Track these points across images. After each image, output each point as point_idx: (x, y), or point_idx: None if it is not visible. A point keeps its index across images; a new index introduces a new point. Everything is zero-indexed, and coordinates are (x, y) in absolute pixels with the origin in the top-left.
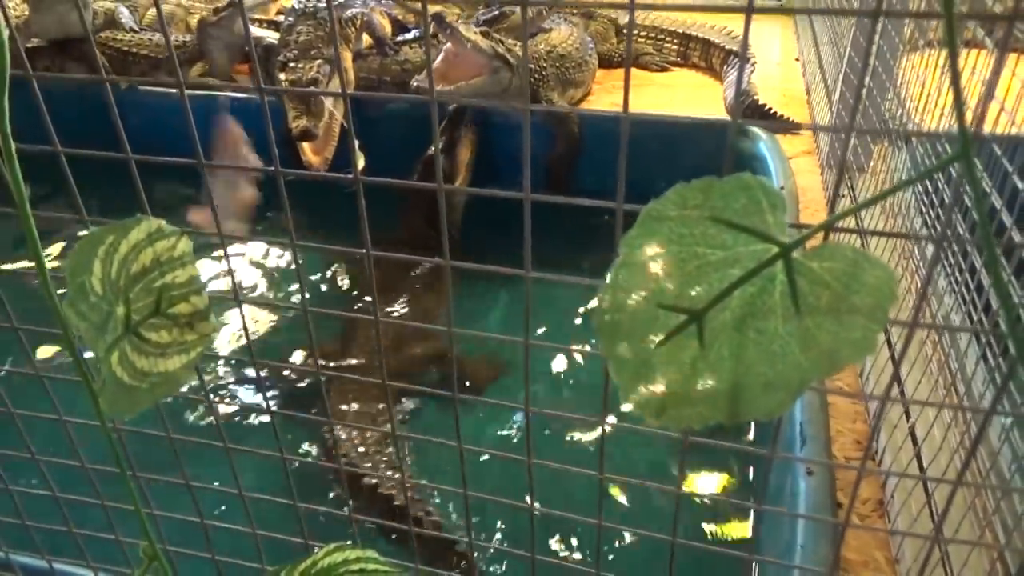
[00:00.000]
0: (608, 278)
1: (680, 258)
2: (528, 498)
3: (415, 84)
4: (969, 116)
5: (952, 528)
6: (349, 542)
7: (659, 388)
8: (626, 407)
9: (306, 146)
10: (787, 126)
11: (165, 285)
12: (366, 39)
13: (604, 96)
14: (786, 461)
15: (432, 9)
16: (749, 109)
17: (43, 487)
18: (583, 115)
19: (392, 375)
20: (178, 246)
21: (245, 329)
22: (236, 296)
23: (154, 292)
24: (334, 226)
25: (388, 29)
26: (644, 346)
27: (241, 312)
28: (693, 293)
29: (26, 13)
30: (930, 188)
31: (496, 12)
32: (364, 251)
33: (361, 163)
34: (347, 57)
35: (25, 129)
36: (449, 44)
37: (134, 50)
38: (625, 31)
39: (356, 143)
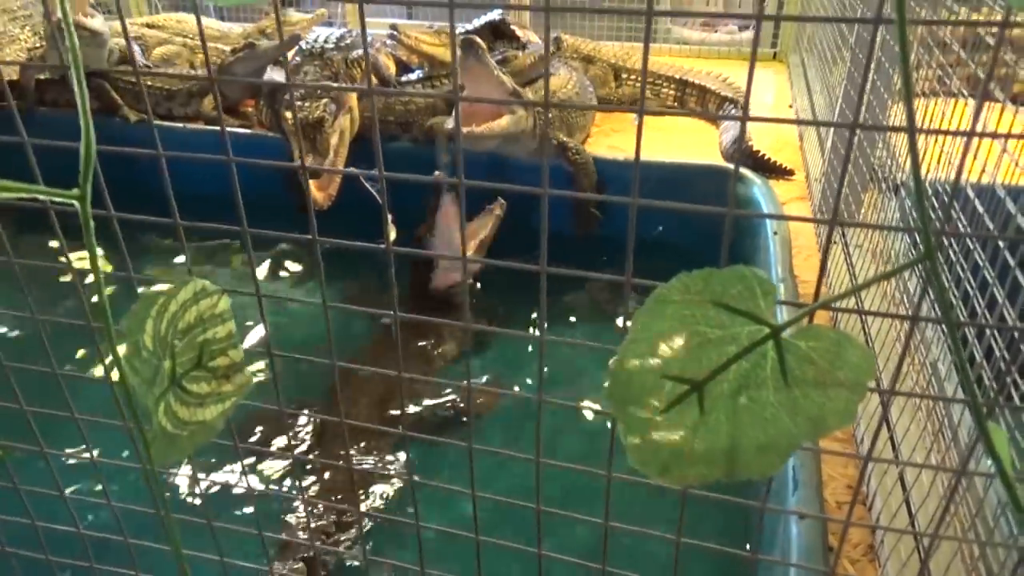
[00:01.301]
0: (619, 350)
1: (684, 336)
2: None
3: (448, 127)
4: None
5: (940, 571)
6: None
7: (663, 449)
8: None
9: (312, 183)
10: (781, 172)
11: (206, 340)
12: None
13: (602, 139)
14: (779, 506)
15: (435, 52)
16: (743, 155)
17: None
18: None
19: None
20: (219, 304)
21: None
22: (268, 350)
23: (196, 347)
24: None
25: (393, 70)
26: (650, 411)
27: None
28: (695, 366)
29: (38, 45)
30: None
31: (500, 56)
32: (392, 313)
33: (393, 235)
34: (352, 96)
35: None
36: (467, 88)
37: (147, 85)
38: (625, 75)
39: (389, 217)
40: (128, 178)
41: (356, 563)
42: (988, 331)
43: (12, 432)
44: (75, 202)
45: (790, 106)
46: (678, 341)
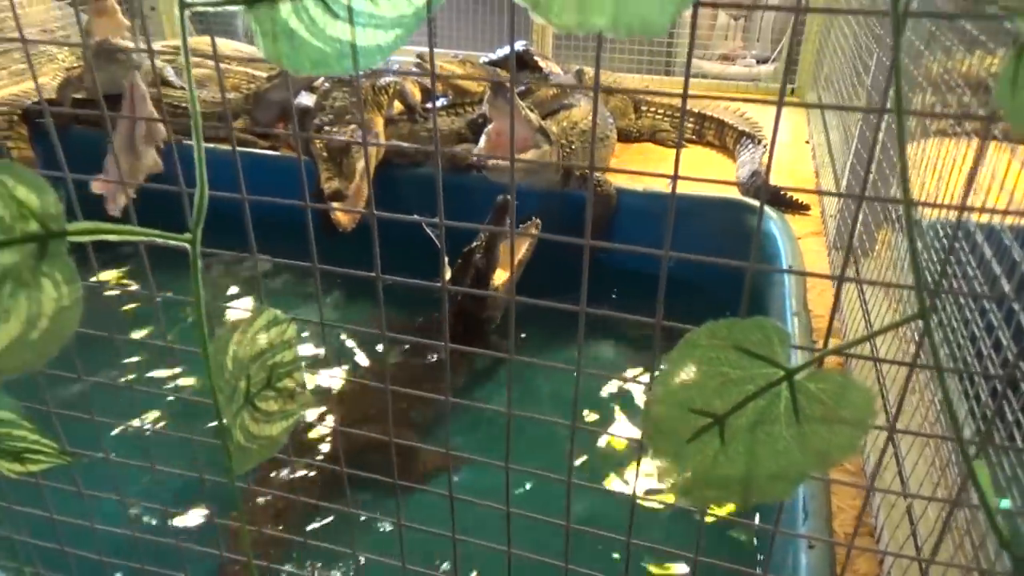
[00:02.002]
0: (653, 387)
1: (709, 375)
2: None
3: (474, 158)
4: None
5: None
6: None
7: (687, 473)
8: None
9: (336, 206)
10: (797, 207)
11: (276, 363)
12: (397, 106)
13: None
14: (789, 535)
15: (460, 82)
16: (760, 189)
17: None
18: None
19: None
20: (287, 331)
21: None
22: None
23: (267, 369)
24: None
25: (419, 97)
26: (678, 440)
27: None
28: (717, 402)
29: (76, 64)
30: (936, 272)
31: (523, 87)
32: (443, 344)
33: (448, 274)
34: (379, 122)
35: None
36: (494, 123)
37: (183, 105)
38: (644, 107)
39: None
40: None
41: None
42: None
43: (77, 440)
44: (187, 244)
45: (807, 142)
46: (703, 380)
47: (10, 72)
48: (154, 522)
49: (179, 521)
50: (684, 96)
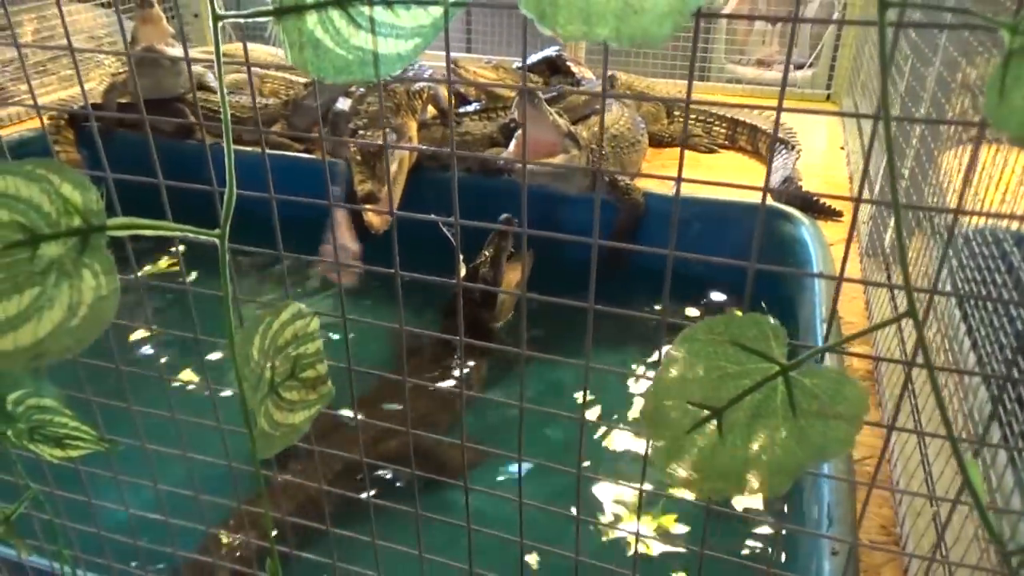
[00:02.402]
0: (653, 379)
1: (707, 369)
2: None
3: (501, 162)
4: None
5: None
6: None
7: (686, 465)
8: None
9: (368, 208)
10: (830, 213)
11: (299, 355)
12: (431, 110)
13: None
14: (813, 542)
15: (477, 74)
16: (793, 195)
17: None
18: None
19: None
20: (311, 324)
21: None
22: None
23: (291, 360)
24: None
25: (452, 102)
26: (677, 432)
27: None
28: (715, 396)
29: (122, 71)
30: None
31: (555, 92)
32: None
33: (463, 272)
34: (412, 126)
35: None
36: (522, 127)
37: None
38: (677, 112)
39: (461, 257)
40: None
41: None
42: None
43: (113, 428)
44: (215, 239)
45: (841, 148)
46: (702, 373)
47: (60, 77)
48: (185, 509)
49: (209, 507)
50: (687, 101)
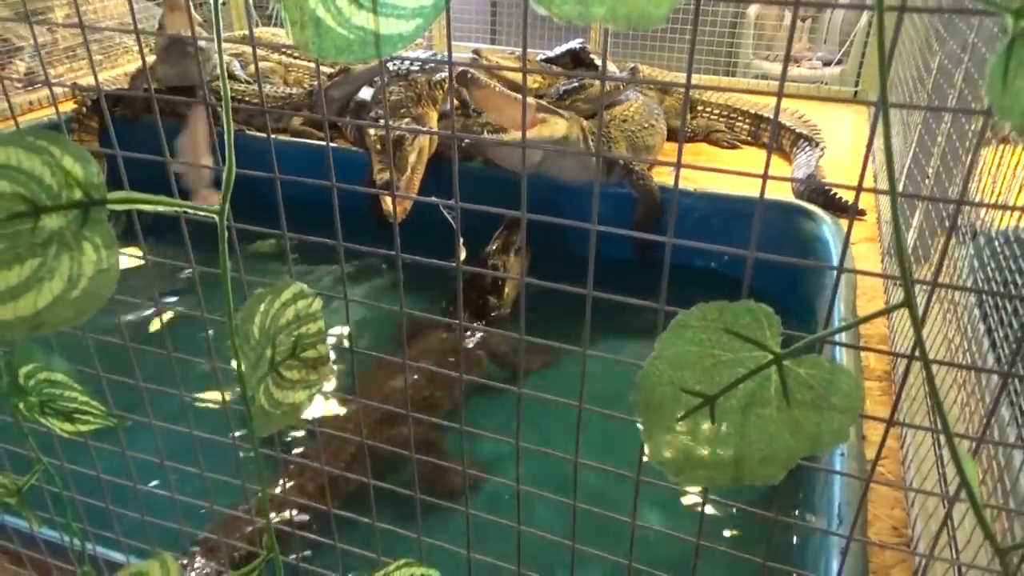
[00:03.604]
0: (645, 367)
1: (699, 356)
2: None
3: (467, 142)
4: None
5: None
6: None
7: (679, 452)
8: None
9: (387, 197)
10: (852, 211)
11: (301, 334)
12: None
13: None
14: (823, 540)
15: (515, 77)
16: (815, 193)
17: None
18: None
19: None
20: (313, 304)
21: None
22: (351, 347)
23: (292, 339)
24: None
25: None
26: (669, 420)
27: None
28: (708, 383)
29: (151, 59)
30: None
31: (576, 83)
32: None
33: (463, 255)
34: (432, 116)
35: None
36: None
37: (246, 98)
38: (700, 107)
39: (461, 240)
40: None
41: None
42: None
43: (122, 404)
44: (215, 216)
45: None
46: (695, 361)
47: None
48: (190, 486)
49: (213, 485)
50: (687, 86)
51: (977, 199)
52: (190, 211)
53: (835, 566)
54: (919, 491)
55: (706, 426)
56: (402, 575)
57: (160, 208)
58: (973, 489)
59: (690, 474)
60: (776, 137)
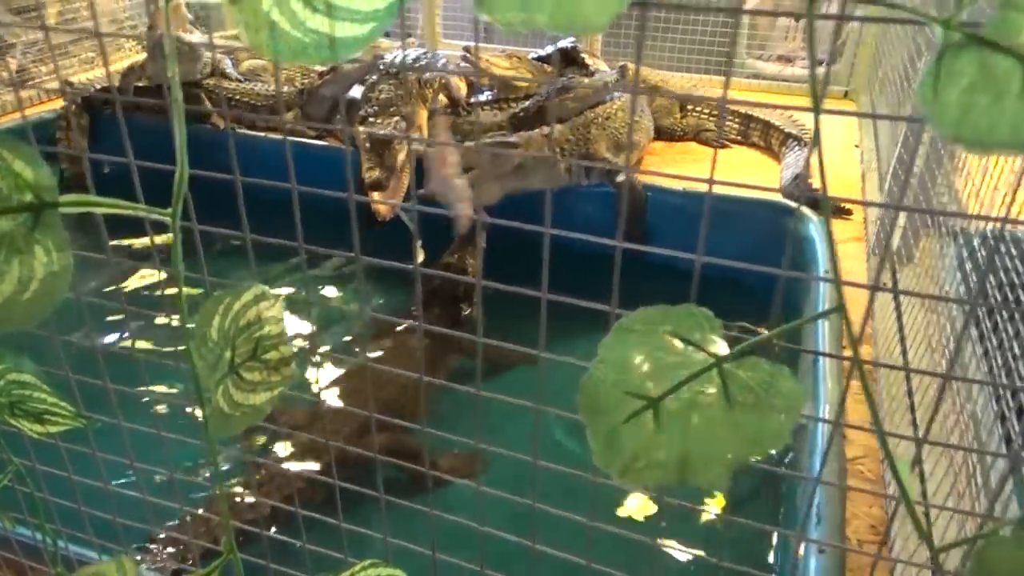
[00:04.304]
0: (590, 370)
1: (644, 359)
2: None
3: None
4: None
5: None
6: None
7: (624, 454)
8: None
9: (375, 195)
10: (840, 211)
11: (262, 336)
12: (442, 99)
13: (662, 168)
14: (802, 540)
15: (507, 76)
16: (803, 191)
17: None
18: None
19: (350, 466)
20: (275, 307)
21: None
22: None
23: (253, 341)
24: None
25: (464, 91)
26: (614, 422)
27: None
28: (652, 385)
29: (141, 56)
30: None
31: (569, 79)
32: (415, 323)
33: (420, 257)
34: (422, 115)
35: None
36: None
37: (236, 97)
38: (689, 107)
39: (419, 242)
40: (217, 182)
41: None
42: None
43: (93, 406)
44: (167, 218)
45: (856, 146)
46: (638, 363)
47: (80, 60)
48: (162, 486)
49: (186, 486)
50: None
51: (964, 196)
52: (142, 214)
53: (812, 564)
54: (860, 490)
55: (650, 428)
56: (368, 575)
57: (115, 211)
58: (907, 490)
59: (636, 476)
60: (766, 136)
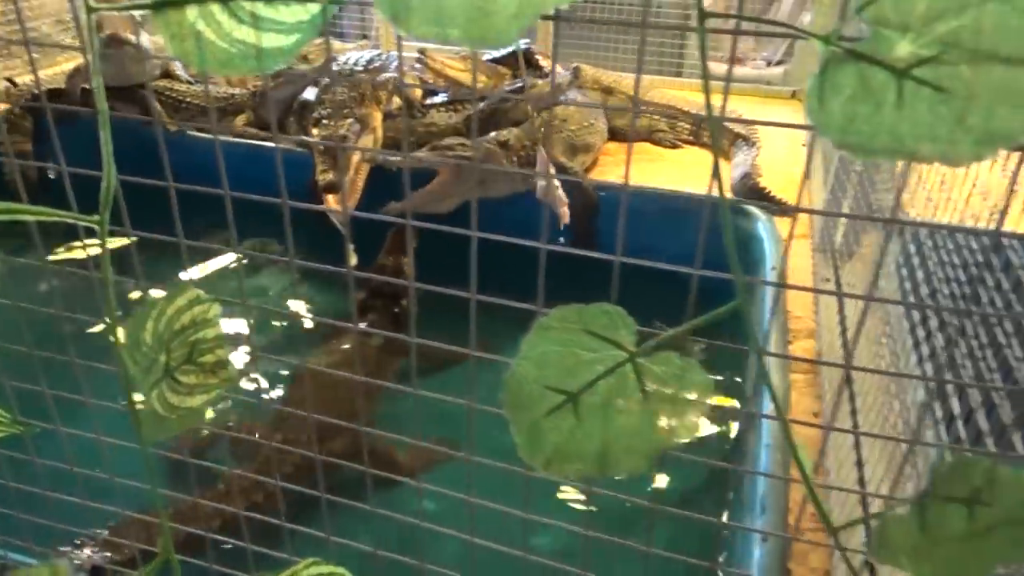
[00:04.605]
0: (512, 366)
1: (562, 356)
2: None
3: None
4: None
5: None
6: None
7: (547, 447)
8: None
9: (330, 198)
10: (783, 208)
11: (198, 340)
12: (396, 101)
13: (615, 168)
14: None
15: (462, 77)
16: (750, 190)
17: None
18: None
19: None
20: (211, 310)
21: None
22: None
23: (188, 345)
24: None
25: (418, 93)
26: (536, 416)
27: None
28: (571, 380)
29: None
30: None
31: (520, 83)
32: (352, 326)
33: (353, 260)
34: (377, 117)
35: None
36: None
37: (187, 99)
38: (643, 106)
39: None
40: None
41: None
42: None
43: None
44: (95, 225)
45: (804, 144)
46: (558, 360)
47: (24, 60)
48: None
49: (126, 490)
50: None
51: (916, 188)
52: (69, 221)
53: (756, 552)
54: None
55: (571, 422)
56: (310, 573)
57: (41, 218)
58: (807, 474)
59: (559, 467)
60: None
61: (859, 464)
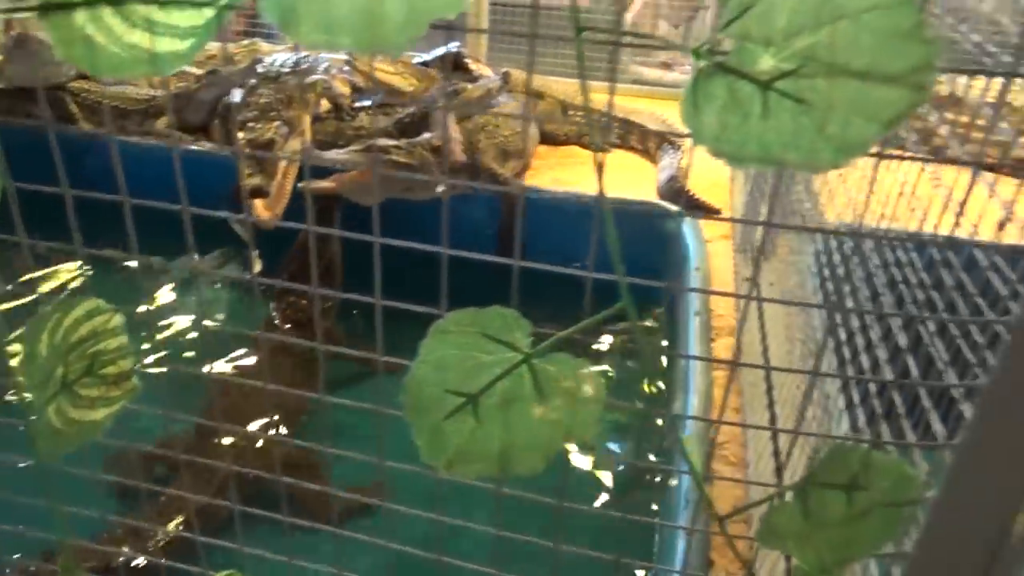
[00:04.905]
0: (411, 370)
1: (460, 359)
2: None
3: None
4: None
5: None
6: None
7: (448, 449)
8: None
9: (258, 203)
10: (710, 210)
11: (98, 351)
12: (324, 103)
13: (546, 172)
14: (673, 522)
15: (391, 80)
16: (675, 193)
17: None
18: (525, 188)
19: (251, 482)
20: (112, 320)
21: None
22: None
23: (88, 357)
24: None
25: (347, 93)
26: (437, 419)
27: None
28: (470, 383)
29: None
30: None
31: (452, 88)
32: (256, 334)
33: (258, 267)
34: (305, 120)
35: None
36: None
37: (104, 101)
38: (571, 112)
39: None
40: (77, 184)
41: None
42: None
43: None
44: None
45: None
46: (456, 363)
47: None
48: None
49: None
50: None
51: (838, 187)
52: None
53: (680, 545)
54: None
55: (471, 423)
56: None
57: None
58: (694, 464)
59: (461, 468)
60: (643, 140)
61: (776, 454)
